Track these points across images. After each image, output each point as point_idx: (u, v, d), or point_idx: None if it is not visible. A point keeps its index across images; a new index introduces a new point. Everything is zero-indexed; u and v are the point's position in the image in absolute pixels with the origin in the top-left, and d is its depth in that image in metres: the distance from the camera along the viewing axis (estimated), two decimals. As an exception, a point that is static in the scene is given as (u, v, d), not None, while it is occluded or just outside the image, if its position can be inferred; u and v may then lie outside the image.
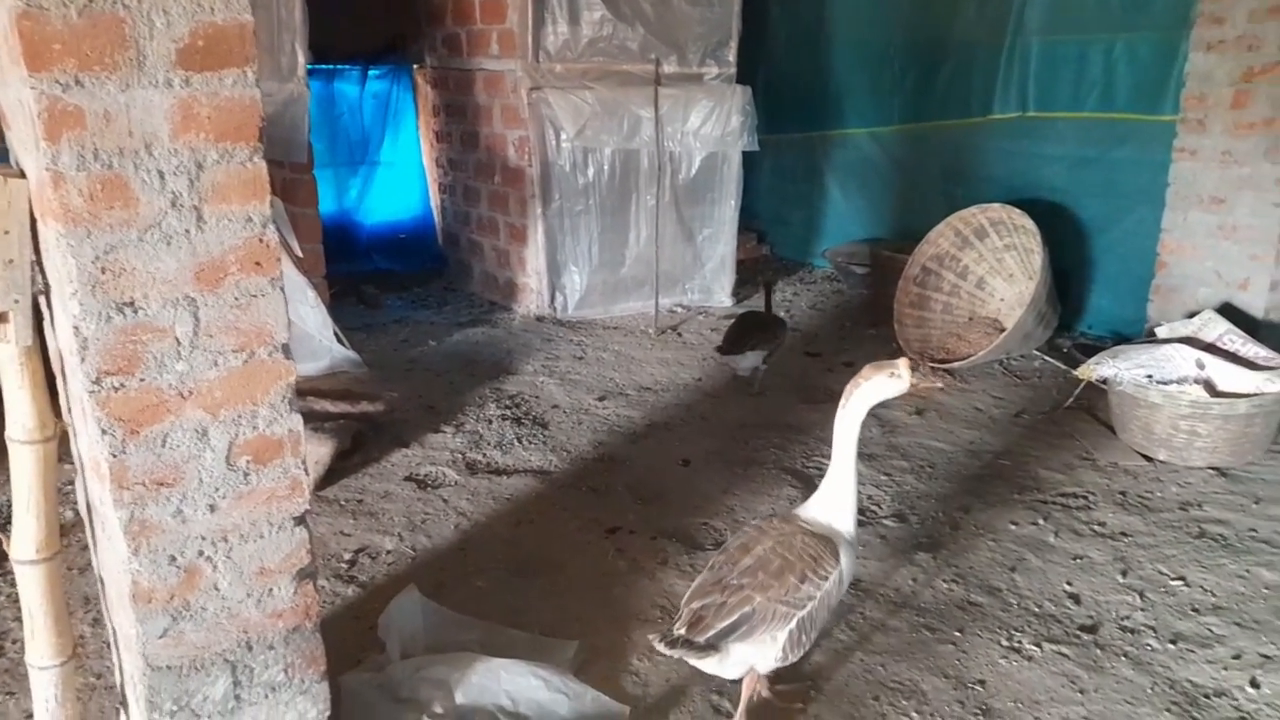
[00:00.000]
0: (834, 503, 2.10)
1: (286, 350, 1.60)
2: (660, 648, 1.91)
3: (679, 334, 4.97)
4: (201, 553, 1.57)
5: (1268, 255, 3.82)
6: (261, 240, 1.53)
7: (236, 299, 1.52)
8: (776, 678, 2.15)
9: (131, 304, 1.42)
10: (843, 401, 2.06)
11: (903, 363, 2.03)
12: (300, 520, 1.68)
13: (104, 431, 1.43)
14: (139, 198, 1.39)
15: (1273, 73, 3.68)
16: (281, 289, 1.58)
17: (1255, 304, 3.88)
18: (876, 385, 2.03)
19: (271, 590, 1.66)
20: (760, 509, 3.03)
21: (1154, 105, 4.34)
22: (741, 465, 3.36)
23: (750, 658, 1.97)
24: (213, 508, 1.56)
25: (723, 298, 5.50)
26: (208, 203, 1.46)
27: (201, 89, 1.42)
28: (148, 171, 1.39)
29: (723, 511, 3.02)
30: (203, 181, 1.45)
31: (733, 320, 4.33)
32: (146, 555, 1.50)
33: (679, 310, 5.38)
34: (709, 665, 1.96)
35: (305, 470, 1.68)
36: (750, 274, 6.03)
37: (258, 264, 1.54)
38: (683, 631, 1.92)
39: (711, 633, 1.90)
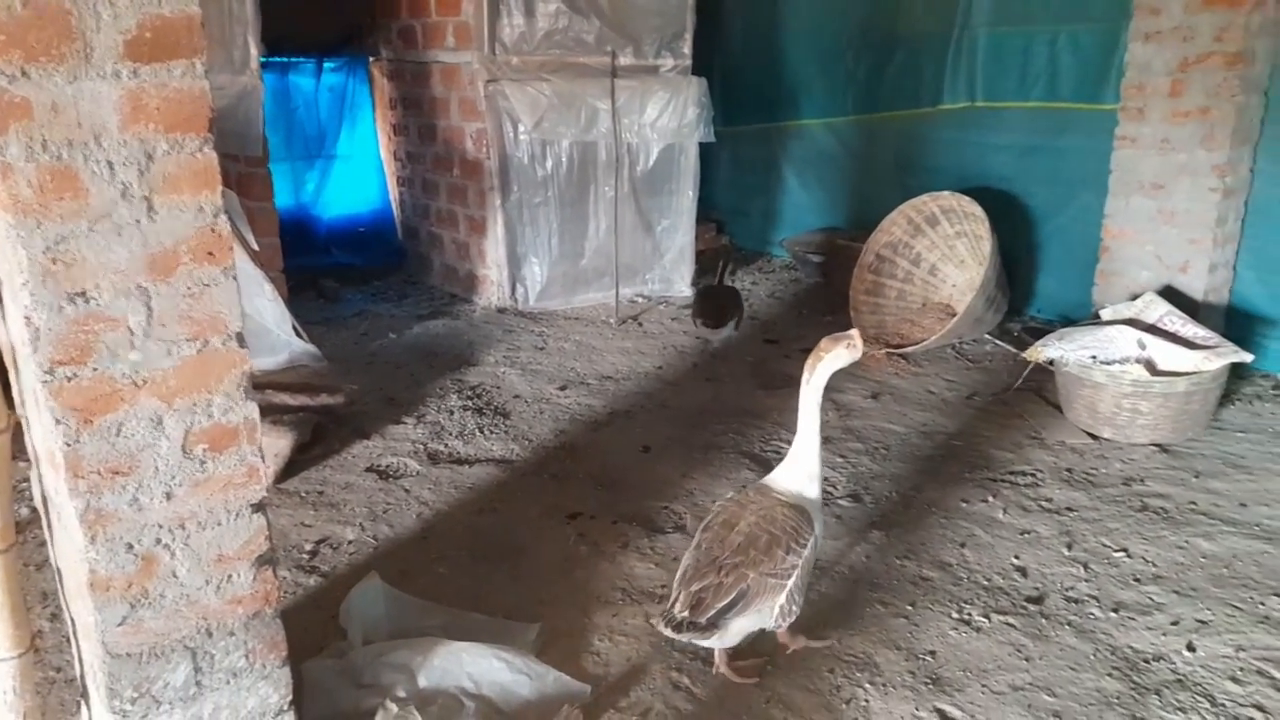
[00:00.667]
0: (801, 472, 2.25)
1: (240, 339, 1.61)
2: (666, 631, 2.05)
3: (640, 324, 5.02)
4: (159, 540, 1.58)
5: (1205, 239, 3.95)
6: (213, 230, 1.55)
7: (189, 288, 1.53)
8: (735, 654, 2.22)
9: (83, 294, 1.42)
10: (805, 375, 2.21)
11: (855, 333, 2.22)
12: (258, 507, 1.70)
13: (58, 421, 1.44)
14: (89, 189, 1.40)
15: (1206, 62, 3.80)
16: (234, 278, 1.59)
17: (1195, 286, 4.00)
18: (836, 355, 2.19)
19: (230, 577, 1.68)
20: (719, 492, 3.08)
21: (1096, 94, 4.46)
22: (701, 450, 3.41)
23: (748, 627, 2.13)
24: (169, 496, 1.57)
25: (682, 288, 5.56)
26: (158, 193, 1.47)
27: (150, 80, 1.43)
28: (97, 162, 1.40)
29: (682, 495, 3.07)
30: (153, 172, 1.46)
31: (700, 296, 4.78)
32: (103, 544, 1.51)
33: (639, 300, 5.42)
34: (711, 641, 2.11)
35: (262, 457, 1.70)
36: (711, 265, 6.06)
37: (210, 254, 1.55)
38: (685, 614, 2.04)
39: (712, 612, 2.04)
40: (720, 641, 2.12)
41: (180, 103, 1.47)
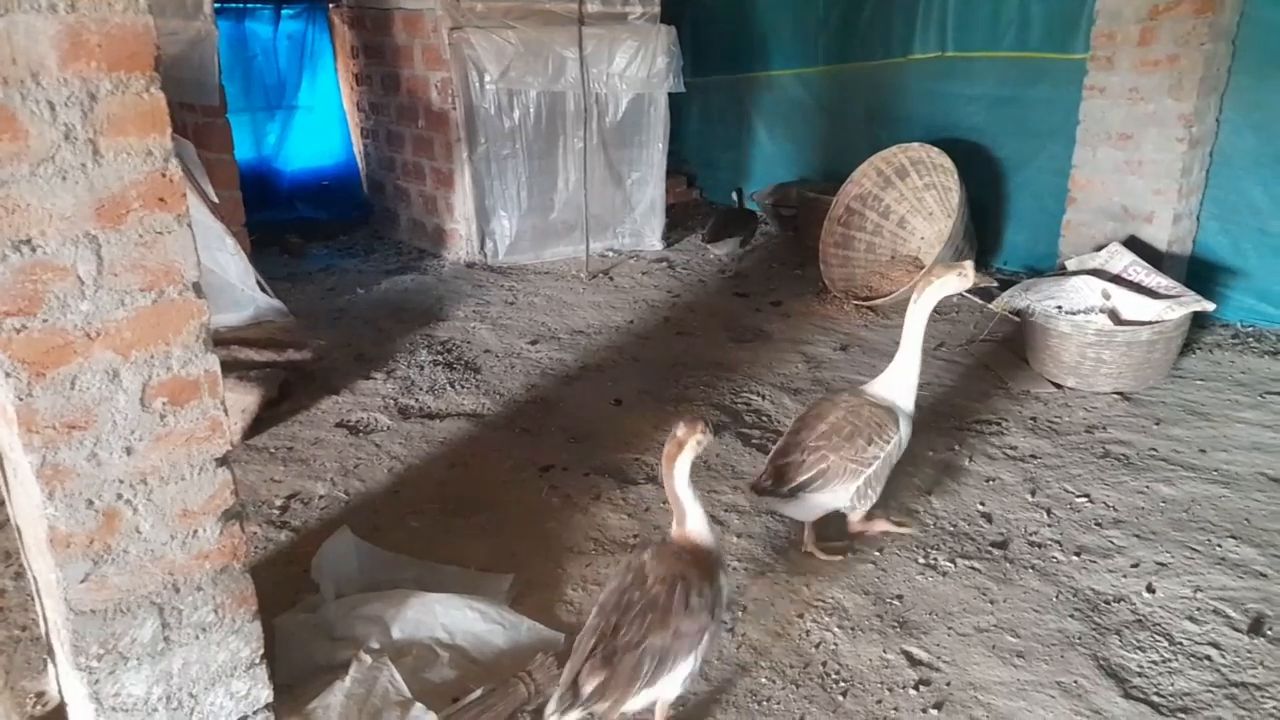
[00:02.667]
0: (899, 382, 2.48)
1: (198, 289, 1.57)
2: (751, 495, 2.39)
3: (610, 278, 4.98)
4: (120, 496, 1.55)
5: (1171, 190, 3.97)
6: (164, 175, 1.49)
7: (141, 236, 1.49)
8: (821, 536, 2.50)
9: (29, 242, 1.37)
10: (915, 296, 2.43)
11: (969, 264, 2.44)
12: (222, 461, 1.67)
13: (8, 375, 1.40)
14: (28, 130, 1.34)
15: (1175, 10, 3.79)
16: (189, 226, 1.55)
17: (1159, 237, 4.04)
18: (946, 281, 2.41)
19: (196, 532, 1.66)
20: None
21: (1066, 43, 4.44)
22: (672, 403, 3.42)
23: (824, 505, 2.39)
24: (129, 450, 1.54)
25: (654, 241, 5.52)
26: (104, 135, 1.42)
27: (89, 14, 1.36)
28: (36, 102, 1.34)
29: (654, 448, 3.07)
30: (97, 113, 1.40)
31: (714, 218, 5.36)
32: (62, 500, 1.48)
33: (610, 254, 5.38)
34: (789, 509, 2.42)
35: (225, 411, 1.67)
36: (681, 218, 6.04)
37: (161, 199, 1.50)
38: (769, 483, 2.34)
39: (793, 484, 2.33)
40: (797, 510, 2.40)
41: (123, 39, 1.41)
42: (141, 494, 1.57)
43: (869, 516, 2.52)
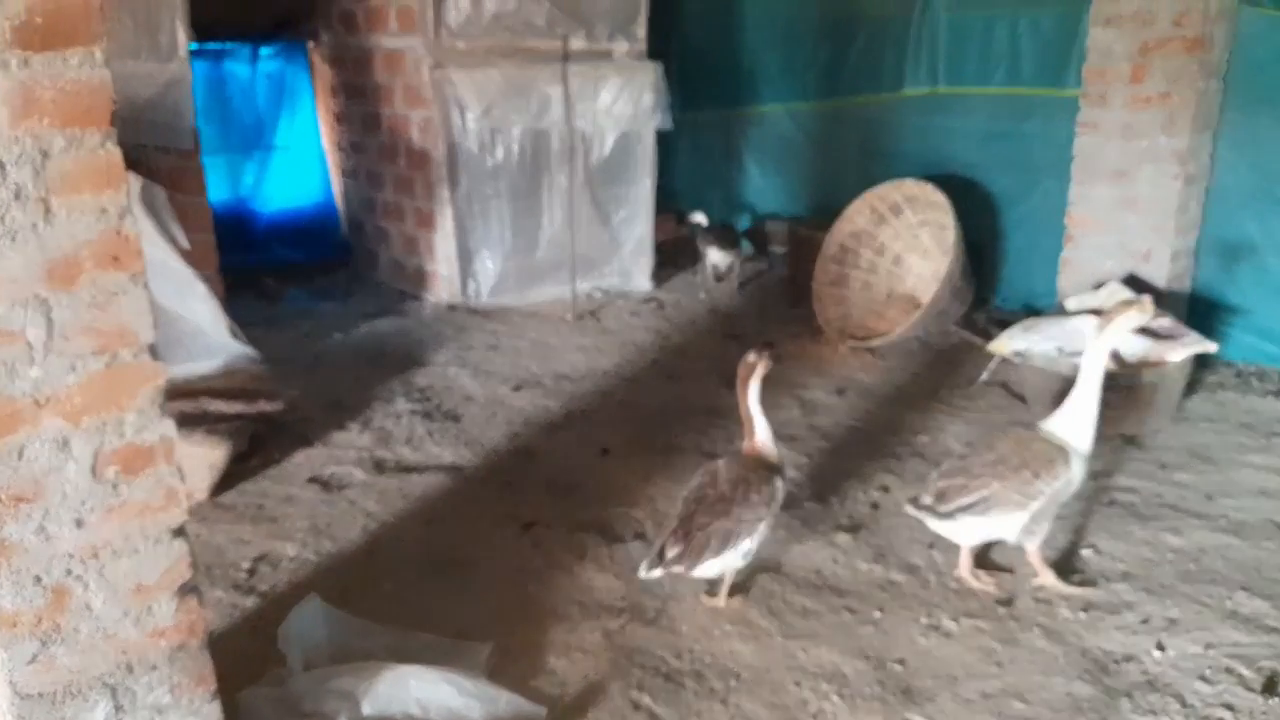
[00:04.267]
0: (1075, 421, 2.46)
1: (154, 351, 1.51)
2: (909, 509, 2.45)
3: (598, 319, 4.89)
4: (70, 571, 1.47)
5: (1167, 226, 3.92)
6: (119, 233, 1.45)
7: (94, 297, 1.44)
8: (1061, 573, 2.53)
9: (-26, 307, 1.29)
10: (1096, 332, 2.47)
11: (1147, 298, 2.56)
12: (179, 532, 1.60)
13: (-51, 448, 1.31)
14: (-24, 190, 1.26)
15: (1166, 47, 3.77)
16: (145, 285, 1.48)
17: (1158, 274, 3.99)
18: (1127, 318, 2.46)
19: (151, 608, 1.58)
20: (681, 497, 2.98)
21: (1058, 80, 4.42)
22: (662, 452, 3.31)
23: (981, 530, 2.44)
24: (80, 523, 1.47)
25: (642, 281, 5.44)
26: (56, 194, 1.37)
27: (43, 71, 1.32)
28: (-15, 162, 1.26)
29: (643, 501, 2.97)
30: (49, 171, 1.36)
31: (714, 231, 5.35)
32: (8, 577, 1.41)
33: (597, 295, 5.29)
34: (943, 529, 2.46)
35: (182, 478, 1.58)
36: (671, 256, 5.97)
37: (115, 259, 1.44)
38: (929, 501, 2.42)
39: (953, 506, 2.39)
40: (950, 531, 2.46)
41: (78, 95, 1.37)
42: (93, 569, 1.49)
43: (1062, 572, 2.54)
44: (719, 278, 5.41)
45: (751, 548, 2.36)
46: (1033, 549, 2.49)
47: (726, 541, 2.29)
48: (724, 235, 5.40)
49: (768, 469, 2.41)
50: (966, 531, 2.45)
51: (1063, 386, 3.38)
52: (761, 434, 2.43)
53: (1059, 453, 2.42)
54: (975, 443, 2.64)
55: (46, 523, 1.42)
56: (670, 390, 3.92)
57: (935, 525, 2.46)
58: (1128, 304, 2.49)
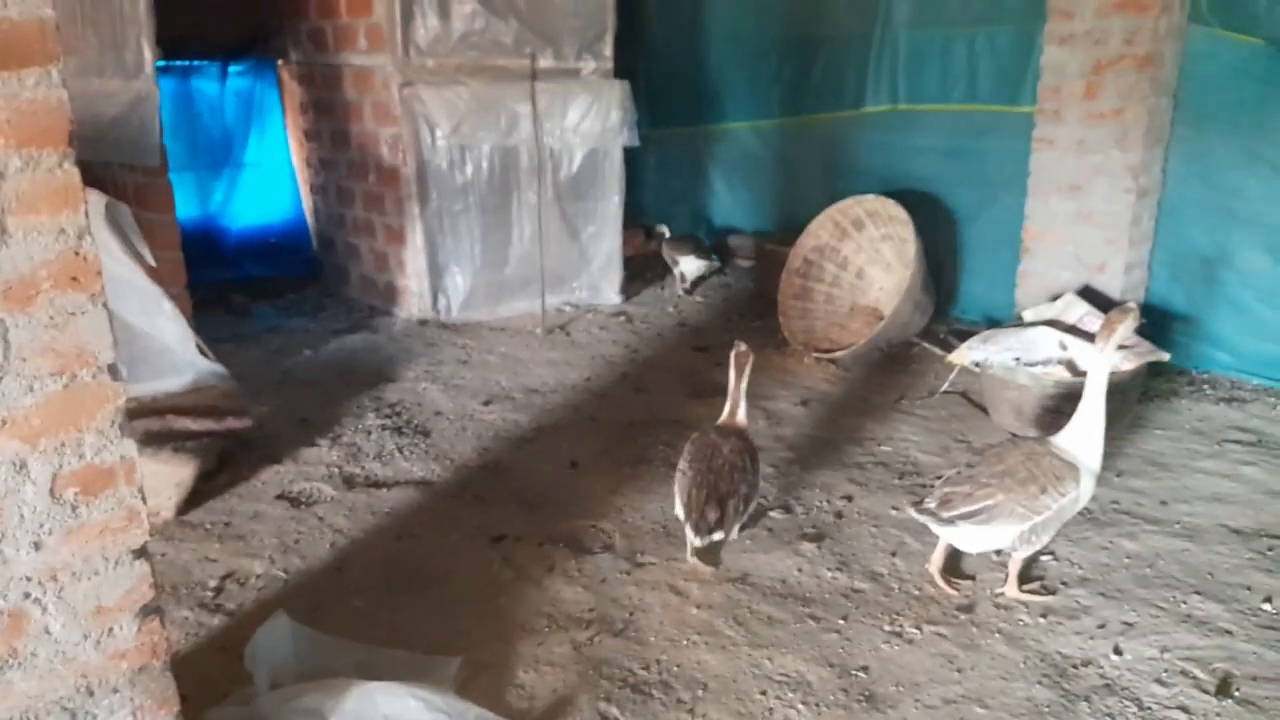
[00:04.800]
0: (1084, 436, 2.48)
1: (114, 371, 1.49)
2: (911, 512, 2.52)
3: (567, 333, 4.92)
4: (28, 595, 1.45)
5: (1122, 239, 4.02)
6: (78, 253, 1.43)
7: (52, 318, 1.42)
8: (1023, 579, 2.57)
9: (-73, 329, 1.28)
10: (1100, 346, 2.48)
11: (1131, 303, 2.64)
12: (140, 553, 1.58)
13: (-101, 470, 1.30)
14: (-72, 211, 1.26)
15: (1118, 65, 3.87)
16: (105, 305, 1.47)
17: (1112, 285, 4.08)
18: (1126, 326, 2.50)
19: (112, 630, 1.56)
20: (649, 508, 3.01)
21: (1014, 97, 4.52)
22: (630, 464, 3.33)
23: (981, 539, 2.47)
24: (37, 545, 1.45)
25: (611, 295, 5.47)
26: (12, 215, 1.35)
27: None
28: (-64, 182, 1.26)
29: (611, 513, 2.98)
30: (5, 192, 1.34)
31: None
32: (-38, 602, 1.37)
33: (567, 309, 5.31)
34: (945, 534, 2.51)
35: (143, 499, 1.57)
36: (639, 270, 6.03)
37: (74, 279, 1.43)
38: (933, 506, 2.46)
39: (955, 513, 2.42)
40: (952, 537, 2.50)
41: (34, 115, 1.35)
42: (51, 592, 1.47)
43: (1025, 578, 2.58)
44: (687, 289, 5.61)
45: (752, 509, 2.70)
46: (1019, 559, 2.51)
47: (747, 504, 2.63)
48: (695, 245, 5.60)
49: (748, 438, 2.76)
50: (966, 538, 2.48)
51: (1018, 394, 3.47)
52: (741, 409, 2.80)
53: (1069, 469, 2.44)
54: (984, 452, 2.59)
55: (3, 545, 1.40)
56: (639, 403, 3.95)
57: (936, 530, 2.50)
58: (1123, 312, 2.51)
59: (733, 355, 2.79)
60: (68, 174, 1.41)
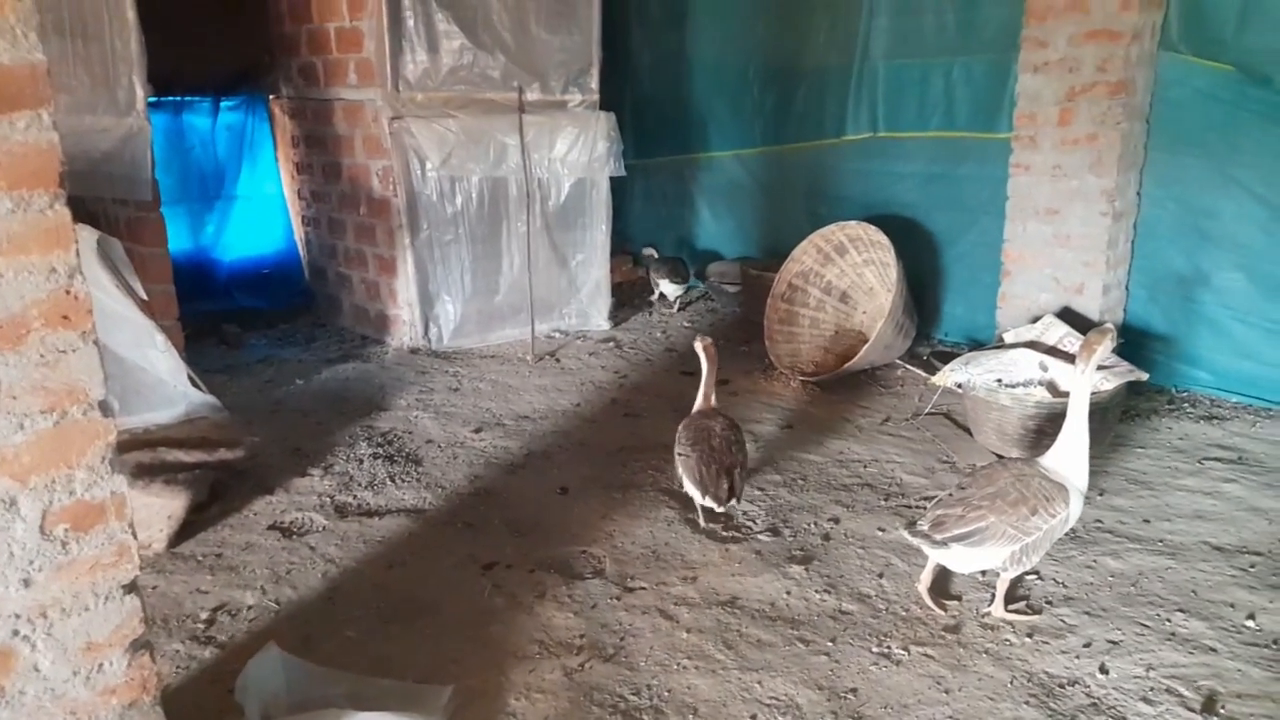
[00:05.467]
0: (1070, 456, 2.52)
1: (104, 408, 1.51)
2: (904, 534, 2.55)
3: (557, 360, 4.95)
4: (17, 632, 1.46)
5: (1099, 262, 4.09)
6: (69, 292, 1.45)
7: (43, 356, 1.43)
8: (1009, 598, 2.60)
9: (-84, 369, 1.31)
10: (1080, 367, 2.53)
11: (1108, 324, 2.71)
12: (131, 588, 1.59)
13: (-109, 510, 1.31)
14: (-82, 255, 1.28)
15: (1091, 92, 3.96)
16: (95, 343, 1.49)
17: (1091, 307, 4.14)
18: (1105, 346, 2.54)
19: (102, 666, 1.57)
20: (639, 533, 3.03)
21: (990, 124, 4.61)
22: (620, 490, 3.36)
23: (973, 560, 2.52)
24: (27, 582, 1.46)
25: (600, 321, 5.51)
26: (3, 255, 1.38)
27: None
28: (-72, 225, 1.29)
29: (601, 538, 3.00)
30: None
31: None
32: (-49, 641, 1.38)
33: (556, 336, 5.36)
34: (938, 556, 2.54)
35: (134, 534, 1.58)
36: (628, 297, 6.08)
37: (65, 318, 1.45)
38: (925, 527, 2.50)
39: (948, 535, 2.46)
40: (944, 559, 2.54)
41: (25, 157, 1.38)
42: (41, 629, 1.48)
43: (1011, 597, 2.61)
44: (675, 309, 5.91)
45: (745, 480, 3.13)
46: (1007, 579, 2.54)
47: (745, 470, 3.05)
48: (673, 268, 5.84)
49: (728, 416, 3.17)
50: (958, 560, 2.52)
51: (1001, 415, 3.51)
52: (712, 394, 3.22)
53: (1058, 490, 2.47)
54: (974, 473, 2.64)
55: None
56: (628, 428, 3.98)
57: (929, 551, 2.53)
58: (1102, 333, 2.55)
59: (704, 347, 3.18)
60: (59, 214, 1.43)
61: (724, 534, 3.04)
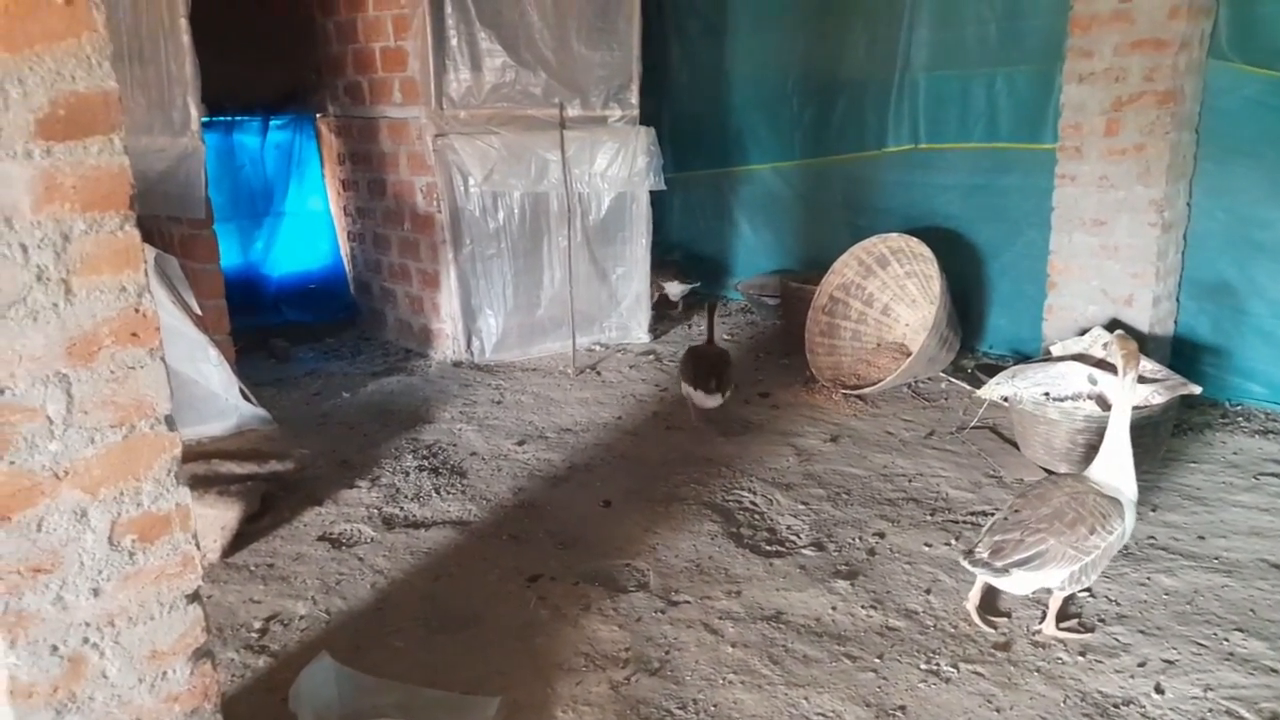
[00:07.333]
0: (1117, 467, 2.52)
1: (170, 422, 1.56)
2: (965, 563, 2.51)
3: (598, 373, 4.98)
4: (86, 640, 1.50)
5: (1147, 273, 4.02)
6: (138, 310, 1.50)
7: (113, 372, 1.48)
8: (1061, 615, 2.56)
9: (-3, 385, 1.36)
10: (1121, 373, 2.55)
11: (1121, 331, 2.88)
12: (194, 597, 1.63)
13: (-30, 521, 1.36)
14: (0, 273, 1.34)
15: (1138, 102, 3.90)
16: (162, 359, 1.54)
17: (1140, 319, 4.07)
18: (1133, 349, 2.56)
19: (165, 674, 1.61)
20: (682, 546, 3.03)
21: (1035, 134, 4.56)
22: (663, 503, 3.36)
23: (1035, 583, 2.47)
24: (96, 592, 1.50)
25: (640, 334, 5.54)
26: (77, 275, 1.42)
27: (65, 159, 1.38)
28: (9, 245, 1.34)
29: (645, 551, 3.01)
30: (70, 253, 1.41)
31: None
32: (25, 647, 1.43)
33: (597, 349, 5.39)
34: (999, 583, 2.52)
35: (196, 544, 1.63)
36: (667, 310, 6.11)
37: (134, 335, 1.50)
38: (984, 555, 2.47)
39: (1008, 561, 2.43)
40: (1006, 585, 2.51)
41: (98, 180, 1.43)
42: (109, 636, 1.53)
43: (1062, 615, 2.57)
44: (673, 306, 6.17)
45: (732, 389, 4.08)
46: (1061, 596, 2.52)
47: (729, 382, 4.03)
48: (677, 270, 6.10)
49: (722, 349, 4.28)
50: (1019, 584, 2.48)
51: (1049, 429, 3.46)
52: (713, 335, 4.24)
53: (1113, 505, 2.45)
54: (1025, 493, 2.60)
55: (64, 592, 1.45)
56: (670, 441, 3.99)
57: (990, 579, 2.51)
58: (1127, 340, 2.55)
59: (708, 305, 4.35)
60: (129, 235, 1.48)
61: (768, 548, 3.03)
